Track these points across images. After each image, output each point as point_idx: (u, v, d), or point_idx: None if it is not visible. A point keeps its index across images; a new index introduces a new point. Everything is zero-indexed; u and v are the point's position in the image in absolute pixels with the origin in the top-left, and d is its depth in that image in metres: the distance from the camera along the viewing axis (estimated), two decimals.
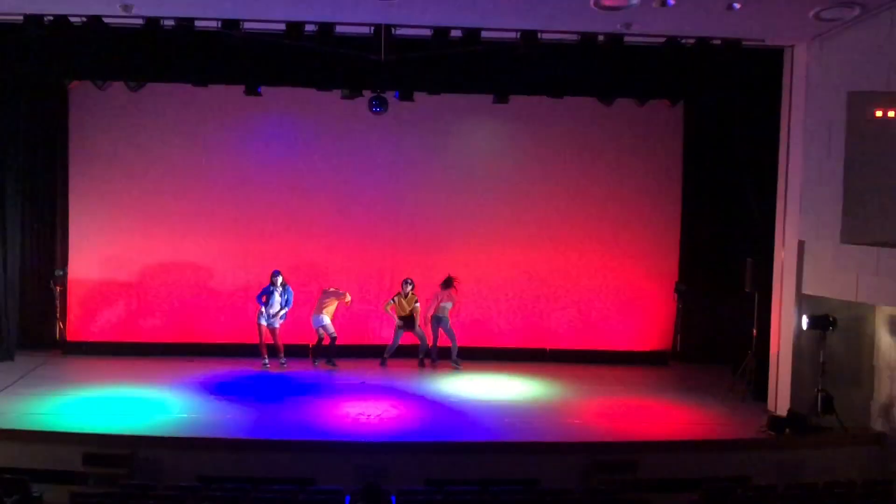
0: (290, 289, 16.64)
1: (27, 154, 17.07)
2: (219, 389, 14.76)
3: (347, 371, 16.26)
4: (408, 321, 16.90)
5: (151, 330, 17.51)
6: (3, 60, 14.50)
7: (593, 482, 12.39)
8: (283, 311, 16.54)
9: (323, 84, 15.17)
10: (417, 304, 16.87)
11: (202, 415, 13.89)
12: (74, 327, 17.67)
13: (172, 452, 12.66)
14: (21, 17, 13.13)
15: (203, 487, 11.01)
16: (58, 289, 17.40)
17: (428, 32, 13.67)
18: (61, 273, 17.38)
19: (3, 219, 16.44)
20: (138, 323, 17.58)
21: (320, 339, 16.81)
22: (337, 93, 15.45)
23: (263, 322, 16.54)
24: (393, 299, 16.92)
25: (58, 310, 17.44)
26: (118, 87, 16.27)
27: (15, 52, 14.18)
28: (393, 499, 10.59)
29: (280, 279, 16.51)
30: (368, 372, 16.35)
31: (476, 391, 15.44)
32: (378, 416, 13.99)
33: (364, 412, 14.12)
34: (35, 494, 11.00)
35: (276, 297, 16.48)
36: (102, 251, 17.56)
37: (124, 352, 17.10)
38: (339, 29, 13.57)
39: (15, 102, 16.53)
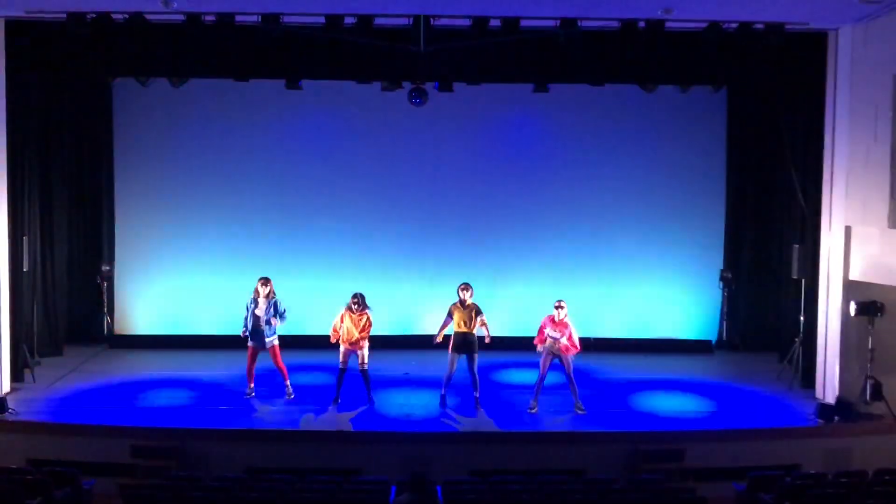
0: (277, 301, 14.14)
1: (72, 151, 17.32)
2: (265, 381, 14.80)
3: (390, 363, 16.19)
4: (467, 343, 13.92)
5: (197, 323, 17.63)
6: (47, 58, 14.66)
7: (639, 471, 12.35)
8: (271, 336, 14.13)
9: (363, 76, 15.19)
10: (482, 317, 13.93)
11: (248, 407, 14.00)
12: (121, 321, 17.88)
13: (220, 444, 12.79)
14: (64, 15, 13.26)
15: (250, 479, 11.11)
16: (104, 283, 17.60)
17: (467, 22, 13.64)
18: (108, 268, 17.58)
19: (49, 214, 16.65)
20: (184, 316, 17.73)
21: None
22: (376, 85, 15.49)
23: (249, 343, 14.20)
24: (450, 312, 13.98)
25: (105, 304, 17.65)
26: (160, 82, 16.35)
27: (59, 50, 14.35)
28: (438, 489, 10.61)
29: (264, 289, 14.10)
30: (411, 363, 16.32)
31: (521, 381, 15.38)
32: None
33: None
34: (85, 487, 11.16)
35: (257, 313, 14.08)
36: (148, 245, 17.73)
37: (170, 345, 17.28)
38: (377, 21, 13.59)
39: (60, 100, 16.74)
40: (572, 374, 13.89)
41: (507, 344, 16.40)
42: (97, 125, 17.52)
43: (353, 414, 13.79)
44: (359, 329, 13.86)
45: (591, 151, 17.81)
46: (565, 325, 13.70)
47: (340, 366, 14.05)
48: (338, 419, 13.61)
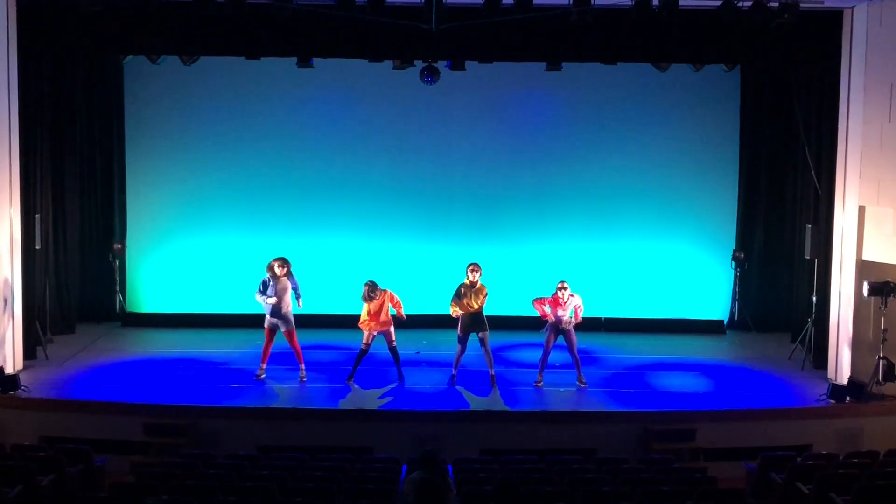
0: (295, 281, 14.11)
1: (84, 129, 17.33)
2: (278, 360, 14.80)
3: (401, 342, 16.09)
4: (477, 322, 13.94)
5: (209, 301, 17.67)
6: (59, 36, 14.64)
7: (650, 451, 12.36)
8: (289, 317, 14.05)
9: (374, 55, 15.14)
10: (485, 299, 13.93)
11: (260, 385, 14.03)
12: (133, 299, 17.96)
13: (232, 422, 12.83)
14: None
15: (262, 456, 11.14)
16: (116, 261, 17.64)
17: (479, 0, 13.56)
18: (120, 246, 17.60)
19: (61, 193, 16.67)
20: (196, 294, 17.76)
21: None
22: (388, 64, 15.44)
23: (266, 324, 14.16)
24: (459, 292, 13.91)
25: (117, 282, 17.69)
26: (171, 60, 16.39)
27: (70, 29, 14.31)
28: (449, 468, 10.63)
29: (281, 269, 13.95)
30: (422, 342, 16.29)
31: (531, 360, 15.35)
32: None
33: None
34: (98, 464, 11.21)
35: (275, 294, 13.93)
36: (160, 223, 17.78)
37: (182, 323, 17.35)
38: None
39: (72, 77, 16.75)
40: (576, 351, 14.07)
41: (517, 323, 16.45)
42: (109, 103, 17.54)
43: (364, 392, 13.82)
44: (389, 306, 13.90)
45: (604, 130, 17.75)
46: (572, 304, 13.95)
47: (363, 346, 14.08)
48: (350, 398, 13.63)
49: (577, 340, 14.17)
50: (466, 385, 14.15)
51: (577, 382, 14.12)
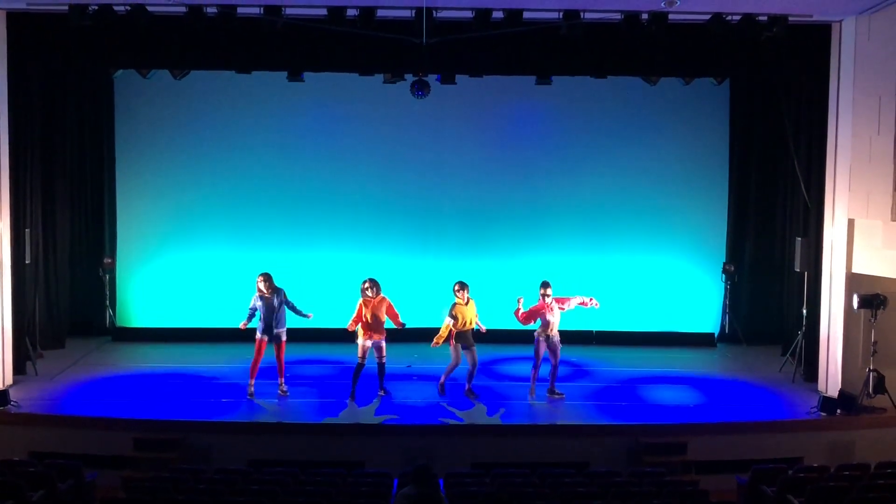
0: (285, 292, 14.08)
1: (74, 143, 17.29)
2: (268, 374, 14.76)
3: (392, 356, 16.07)
4: (466, 335, 14.14)
5: (200, 315, 17.60)
6: (49, 50, 14.64)
7: (642, 464, 12.36)
8: (282, 329, 14.01)
9: (365, 69, 15.18)
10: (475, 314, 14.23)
11: (250, 400, 13.98)
12: (123, 314, 17.89)
13: (223, 437, 12.81)
14: (66, 7, 13.24)
15: (253, 471, 11.11)
16: (107, 276, 17.58)
17: (469, 14, 13.62)
18: (110, 260, 17.55)
19: (51, 207, 16.60)
20: (187, 309, 17.69)
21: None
22: (378, 78, 15.48)
23: (259, 335, 14.00)
24: (452, 312, 14.07)
25: (107, 297, 17.64)
26: (162, 74, 16.39)
27: (61, 43, 14.33)
28: (441, 482, 10.61)
29: (264, 284, 13.90)
30: (413, 355, 16.27)
31: (522, 373, 15.36)
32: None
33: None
34: (88, 479, 11.17)
35: (267, 307, 13.90)
36: (150, 237, 17.71)
37: (173, 337, 17.27)
38: (380, 13, 13.57)
39: (62, 92, 16.72)
40: (558, 363, 14.30)
41: (508, 337, 16.40)
42: (99, 117, 17.51)
43: (355, 407, 13.78)
44: (383, 314, 13.88)
45: (594, 144, 17.77)
46: (561, 301, 14.23)
47: (360, 360, 13.99)
48: (341, 412, 13.60)
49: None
50: (457, 398, 14.14)
51: (548, 393, 14.24)
